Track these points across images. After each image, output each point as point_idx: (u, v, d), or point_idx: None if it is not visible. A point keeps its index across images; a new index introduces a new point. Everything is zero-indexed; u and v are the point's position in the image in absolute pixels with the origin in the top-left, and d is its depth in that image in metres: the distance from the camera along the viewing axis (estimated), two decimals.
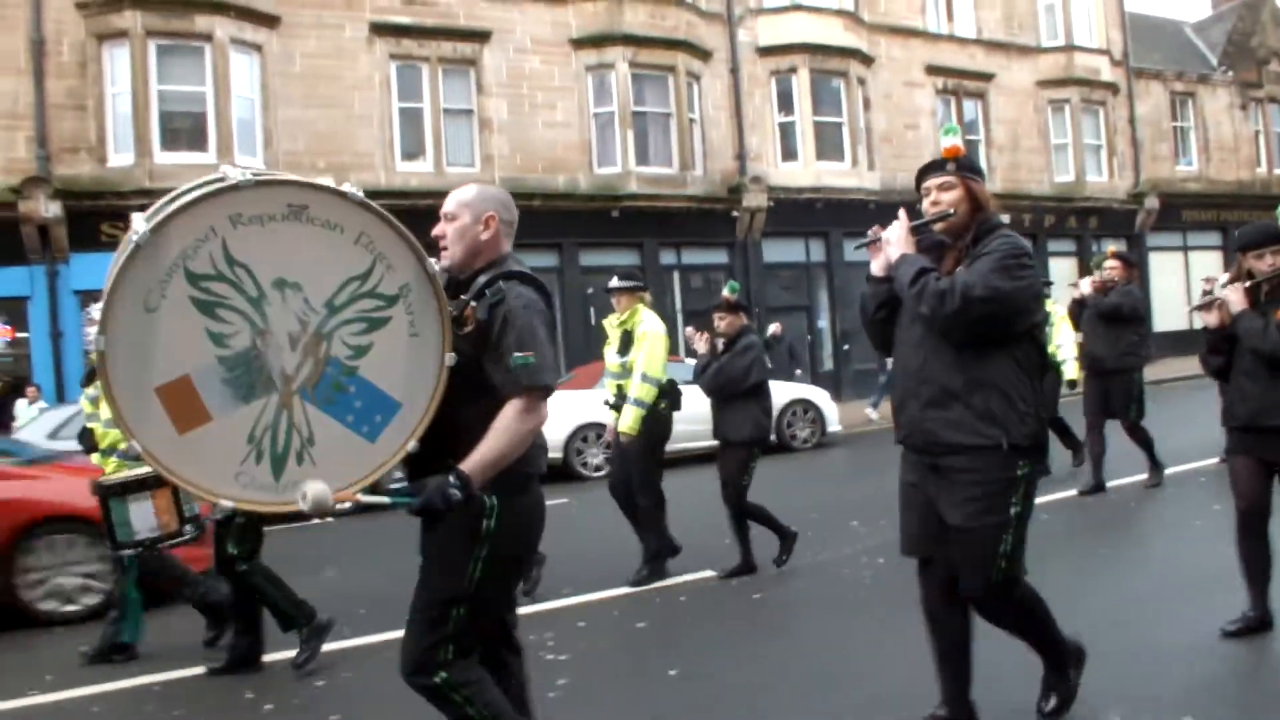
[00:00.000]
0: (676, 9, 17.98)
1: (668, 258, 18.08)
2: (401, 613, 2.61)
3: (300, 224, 2.36)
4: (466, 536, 2.48)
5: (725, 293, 6.18)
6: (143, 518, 4.09)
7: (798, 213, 18.83)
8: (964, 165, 3.08)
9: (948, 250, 3.07)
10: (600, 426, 11.65)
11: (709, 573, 5.98)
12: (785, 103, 19.33)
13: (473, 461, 2.40)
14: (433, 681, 2.47)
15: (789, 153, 19.24)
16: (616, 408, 6.13)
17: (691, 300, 18.20)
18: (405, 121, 16.34)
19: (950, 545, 2.96)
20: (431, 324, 2.50)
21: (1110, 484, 7.67)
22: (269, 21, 15.34)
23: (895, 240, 3.03)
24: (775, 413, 12.27)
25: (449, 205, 2.70)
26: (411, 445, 2.48)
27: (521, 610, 5.39)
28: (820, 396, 13.30)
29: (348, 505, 2.47)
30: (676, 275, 18.22)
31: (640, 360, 5.90)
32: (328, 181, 2.42)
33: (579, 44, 17.39)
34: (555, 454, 11.27)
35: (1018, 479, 2.88)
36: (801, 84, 19.27)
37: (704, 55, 18.38)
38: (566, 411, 11.23)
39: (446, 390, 2.50)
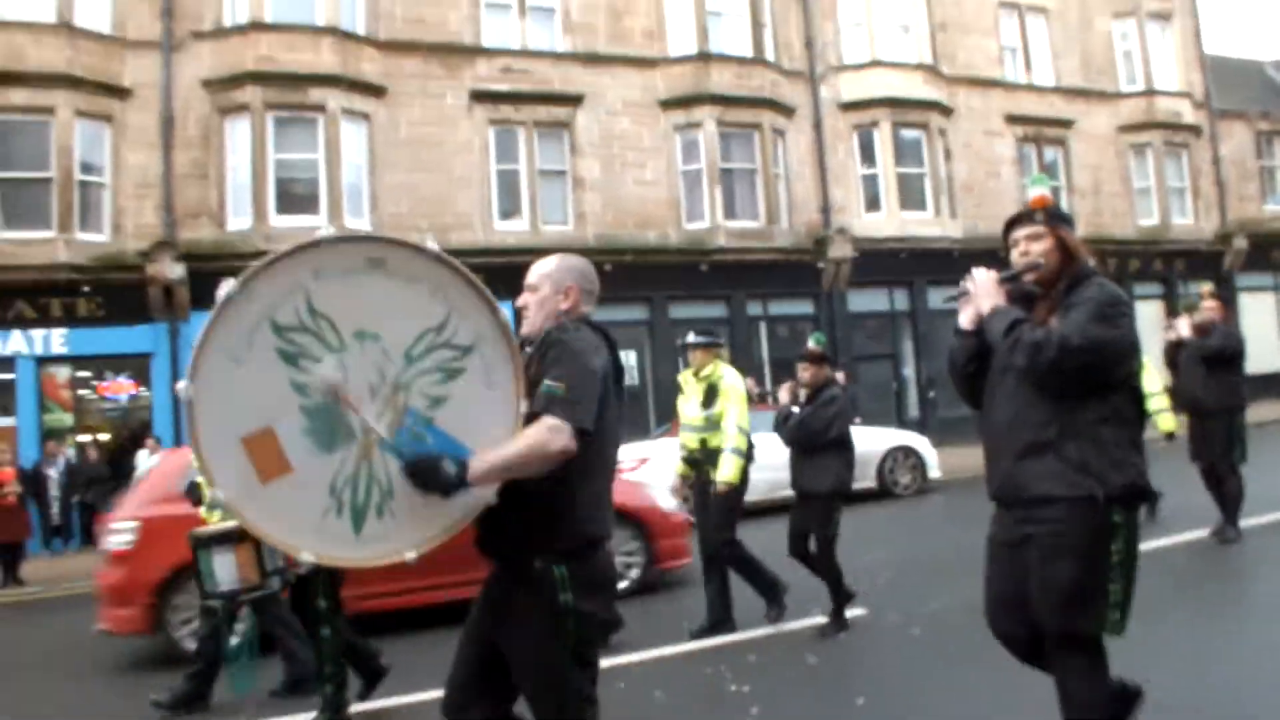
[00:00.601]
0: (761, 69, 18.50)
1: (754, 309, 18.38)
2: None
3: (379, 277, 2.43)
4: (547, 614, 2.47)
5: (810, 344, 6.14)
6: (226, 569, 4.12)
7: (882, 262, 19.02)
8: (1053, 214, 3.04)
9: (1040, 300, 3.02)
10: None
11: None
12: (868, 155, 19.65)
13: (481, 457, 2.39)
14: None
15: (872, 203, 19.50)
16: (693, 462, 6.22)
17: (778, 350, 18.44)
18: (502, 183, 17.01)
19: (1043, 595, 2.82)
20: (506, 375, 2.52)
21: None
22: (377, 92, 16.20)
23: (984, 292, 2.98)
24: (878, 459, 12.52)
25: (532, 277, 2.75)
26: (489, 497, 2.47)
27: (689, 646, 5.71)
28: (921, 443, 13.40)
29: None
30: (763, 326, 18.49)
31: (732, 413, 6.00)
32: (404, 237, 2.53)
33: (667, 105, 17.97)
34: None
35: (1114, 526, 2.78)
36: (883, 137, 19.60)
37: (788, 112, 18.83)
38: (672, 458, 11.47)
39: None
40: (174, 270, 14.81)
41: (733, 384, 6.11)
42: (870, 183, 19.59)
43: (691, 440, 6.21)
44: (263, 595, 4.38)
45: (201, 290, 15.02)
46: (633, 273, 17.23)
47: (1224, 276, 23.00)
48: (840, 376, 15.75)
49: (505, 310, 2.51)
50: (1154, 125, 22.58)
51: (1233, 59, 27.15)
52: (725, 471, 5.94)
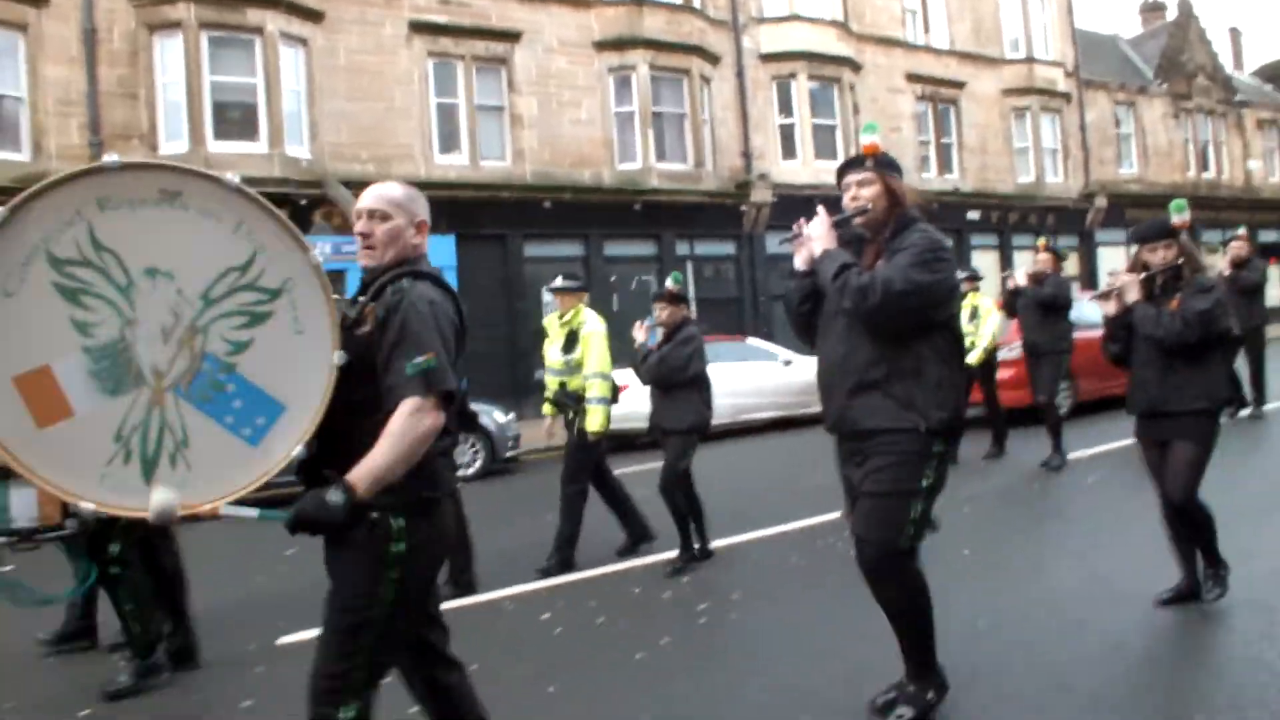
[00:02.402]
0: (690, 15, 19.02)
1: (683, 248, 19.09)
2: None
3: (174, 210, 2.23)
4: (374, 562, 2.33)
5: (669, 283, 6.19)
6: (23, 505, 3.77)
7: (798, 207, 19.82)
8: (882, 162, 3.17)
9: (868, 244, 3.18)
10: None
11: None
12: (785, 105, 20.57)
13: (359, 469, 2.22)
14: (337, 716, 2.30)
15: (790, 152, 20.47)
16: (557, 403, 6.33)
17: (704, 289, 19.29)
18: (442, 116, 16.96)
19: (858, 512, 3.09)
20: (318, 321, 2.32)
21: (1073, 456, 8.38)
22: (314, 17, 15.80)
23: (817, 235, 3.13)
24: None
25: (375, 203, 2.53)
26: (297, 450, 2.31)
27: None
28: None
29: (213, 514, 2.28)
30: (691, 265, 19.23)
31: (593, 360, 6.09)
32: (202, 168, 2.35)
33: (602, 46, 18.26)
34: (643, 424, 12.14)
35: (931, 454, 3.00)
36: (800, 88, 20.54)
37: (714, 59, 19.46)
38: None
39: (345, 397, 2.32)
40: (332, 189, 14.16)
41: (593, 329, 6.19)
42: (787, 131, 20.54)
43: (553, 382, 6.36)
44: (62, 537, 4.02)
45: None
46: (570, 210, 17.63)
47: (1087, 231, 25.37)
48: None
49: (317, 251, 2.35)
50: (1033, 91, 24.49)
51: (1094, 33, 29.54)
52: (592, 422, 6.05)
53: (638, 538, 6.49)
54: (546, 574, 6.02)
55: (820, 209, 3.25)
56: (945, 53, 23.64)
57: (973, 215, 23.26)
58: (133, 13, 14.80)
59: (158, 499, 2.17)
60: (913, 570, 3.10)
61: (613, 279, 18.21)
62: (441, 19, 16.92)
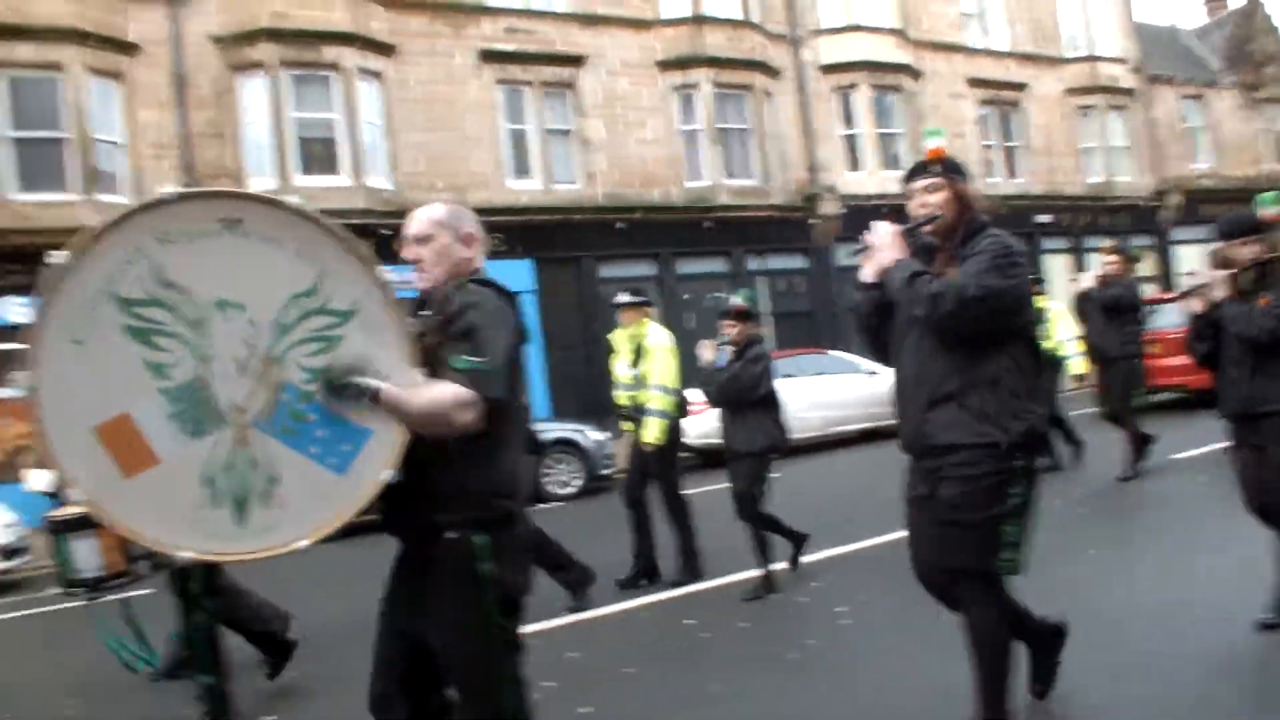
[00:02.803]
0: (751, 31, 19.18)
1: (754, 264, 19.14)
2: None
3: (235, 238, 2.18)
4: (470, 588, 2.29)
5: (736, 300, 6.00)
6: (87, 556, 3.74)
7: (866, 218, 19.78)
8: (949, 166, 3.07)
9: (937, 252, 3.08)
10: None
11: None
12: (848, 116, 20.58)
13: (396, 390, 2.18)
14: None
15: (854, 163, 20.45)
16: (629, 418, 6.31)
17: (778, 303, 19.33)
18: (514, 142, 17.30)
19: (944, 538, 2.94)
20: (392, 340, 2.27)
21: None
22: (387, 50, 16.24)
23: (885, 245, 3.02)
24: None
25: (420, 227, 2.52)
26: (387, 475, 2.24)
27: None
28: None
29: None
30: (762, 280, 19.28)
31: (656, 373, 6.09)
32: (261, 192, 2.32)
33: (665, 66, 18.49)
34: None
35: (1016, 470, 2.88)
36: (861, 98, 20.54)
37: (775, 74, 19.57)
38: None
39: None
40: None
41: (658, 343, 6.20)
42: (851, 142, 20.53)
43: (623, 397, 6.39)
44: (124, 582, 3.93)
45: None
46: (641, 230, 17.81)
47: (1161, 230, 24.88)
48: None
49: (386, 268, 2.30)
50: (1097, 89, 24.17)
51: (1153, 26, 29.07)
52: (650, 433, 6.06)
53: (643, 573, 6.24)
54: (677, 585, 6.06)
55: (879, 225, 3.12)
56: (1005, 55, 23.46)
57: (1042, 218, 22.97)
58: (218, 55, 15.37)
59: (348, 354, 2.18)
60: (1001, 599, 2.98)
61: (686, 296, 18.33)
62: (509, 47, 17.28)
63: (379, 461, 2.23)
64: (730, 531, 6.43)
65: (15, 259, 13.97)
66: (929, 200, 3.02)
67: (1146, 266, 24.10)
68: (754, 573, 5.77)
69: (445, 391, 2.20)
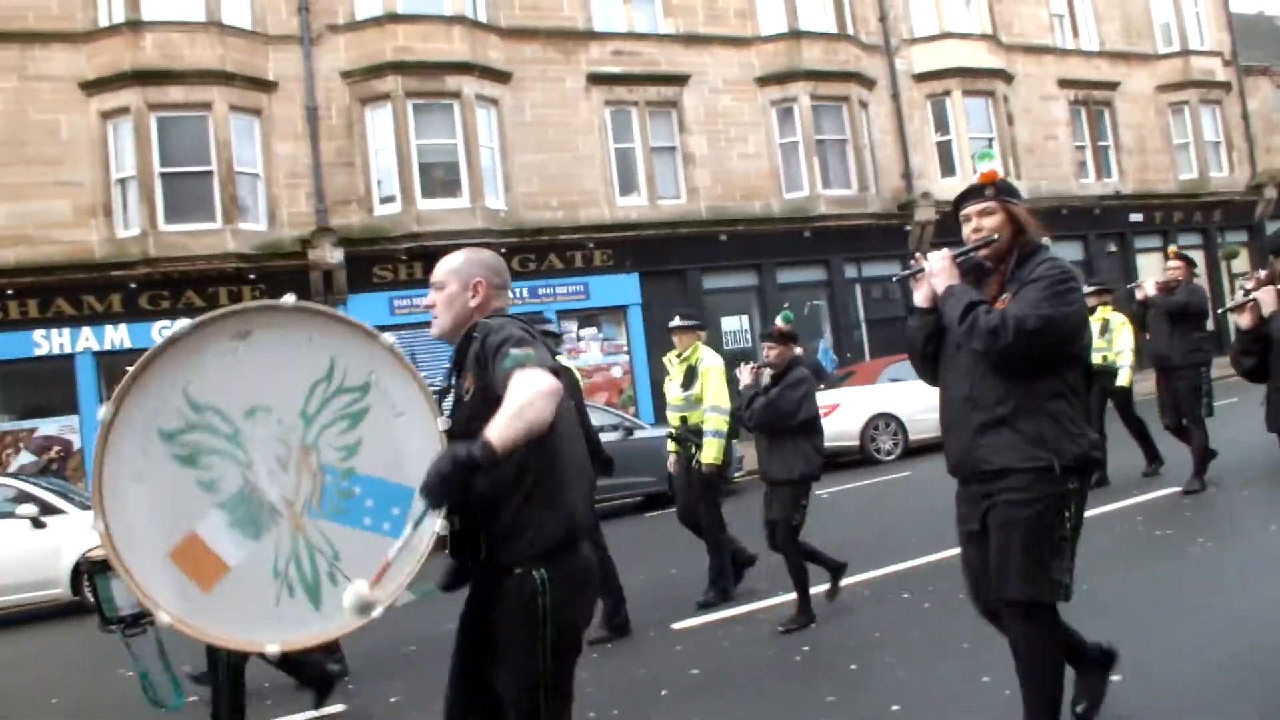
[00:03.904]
0: (846, 44, 19.57)
1: (850, 271, 19.59)
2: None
3: (249, 348, 2.35)
4: (529, 620, 2.36)
5: (778, 322, 5.80)
6: (125, 592, 3.75)
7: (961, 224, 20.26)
8: (1002, 189, 3.04)
9: (991, 275, 3.03)
10: (889, 417, 13.20)
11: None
12: (941, 122, 20.86)
13: (491, 431, 2.17)
14: None
15: (948, 169, 20.73)
16: (679, 439, 6.41)
17: (872, 310, 19.74)
18: (620, 160, 17.97)
19: (1001, 565, 2.88)
20: (412, 398, 2.39)
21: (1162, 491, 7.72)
22: (502, 78, 17.02)
23: (939, 271, 2.99)
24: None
25: (437, 274, 2.63)
26: (439, 526, 2.29)
27: None
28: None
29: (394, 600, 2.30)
30: (858, 288, 19.71)
31: (709, 394, 6.17)
32: (260, 301, 2.46)
33: (764, 81, 18.99)
34: (853, 442, 12.83)
35: (1069, 493, 2.85)
36: (955, 104, 20.80)
37: (869, 84, 19.93)
38: (859, 404, 12.81)
39: None
40: (334, 255, 15.65)
41: (710, 365, 6.28)
42: (944, 149, 20.81)
43: (674, 418, 6.50)
44: None
45: (356, 274, 15.94)
46: (743, 242, 18.37)
47: (1257, 225, 24.63)
48: (796, 350, 16.04)
49: (388, 336, 2.40)
50: (1190, 84, 24.01)
51: (1247, 15, 28.60)
52: (707, 454, 6.16)
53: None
54: (705, 607, 6.08)
55: (922, 255, 3.13)
56: (1096, 54, 23.44)
57: (1135, 218, 22.96)
58: (347, 89, 16.30)
59: (350, 595, 2.18)
60: (1054, 625, 2.95)
61: (785, 305, 18.78)
62: (616, 69, 17.94)
63: (431, 516, 2.28)
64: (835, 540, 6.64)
65: (165, 285, 15.14)
66: (983, 224, 3.00)
67: (1242, 263, 23.93)
68: (820, 588, 5.72)
69: (514, 384, 2.22)
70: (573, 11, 17.88)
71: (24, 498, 9.49)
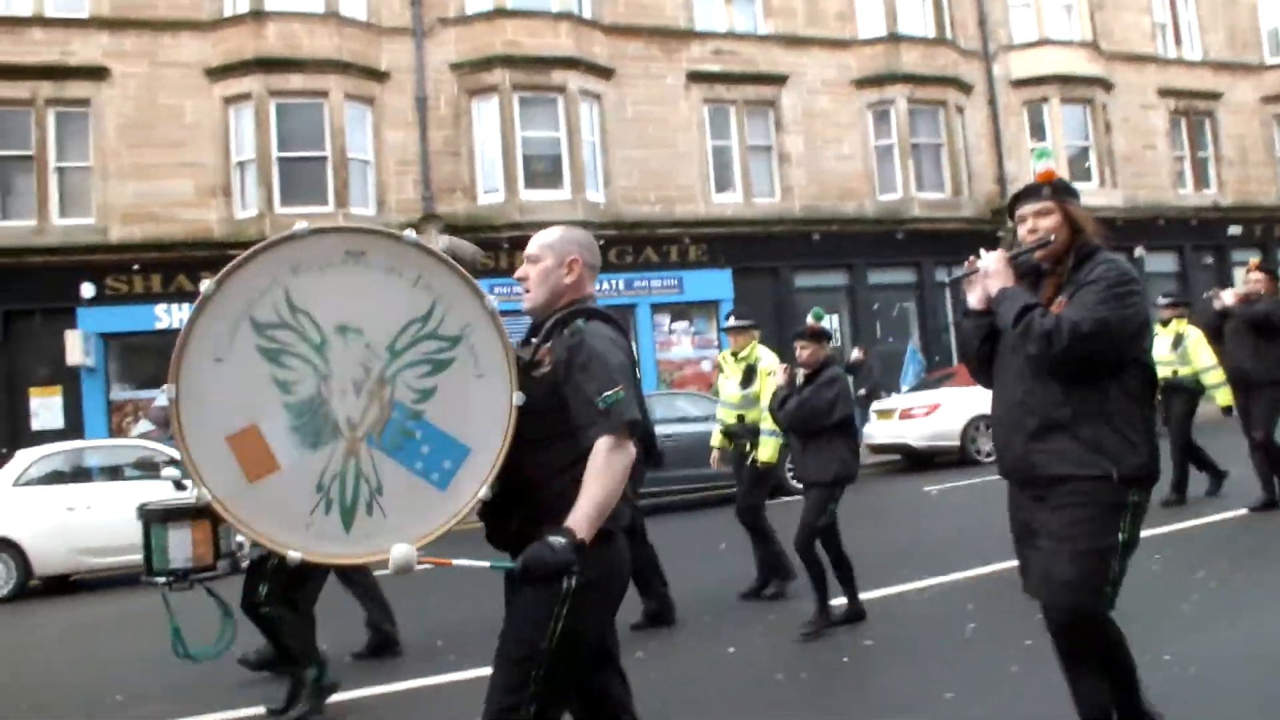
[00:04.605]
0: (944, 48, 19.53)
1: (941, 275, 19.51)
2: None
3: (359, 269, 2.38)
4: (549, 596, 2.32)
5: (809, 320, 5.74)
6: (180, 546, 3.85)
7: None
8: (1059, 189, 2.97)
9: (1046, 276, 2.95)
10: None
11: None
12: (1037, 129, 20.67)
13: (575, 515, 2.27)
14: None
15: None
16: (734, 435, 6.55)
17: (961, 313, 19.60)
18: (717, 158, 18.17)
19: (1050, 570, 2.77)
20: (497, 364, 2.43)
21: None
22: (605, 74, 17.34)
23: (994, 272, 2.93)
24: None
25: (532, 248, 2.63)
26: (484, 492, 2.36)
27: None
28: None
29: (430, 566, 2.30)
30: (948, 291, 19.62)
31: (767, 393, 6.09)
32: (383, 227, 2.56)
33: (861, 84, 19.04)
34: (954, 442, 12.85)
35: (1126, 505, 2.73)
36: (1052, 111, 20.61)
37: (966, 89, 19.85)
38: (960, 405, 12.82)
39: (522, 435, 2.40)
40: (440, 241, 16.03)
41: (769, 364, 6.31)
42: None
43: (729, 415, 6.61)
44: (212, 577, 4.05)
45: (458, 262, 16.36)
46: (835, 242, 18.43)
47: None
48: (857, 353, 16.28)
49: (493, 298, 2.45)
50: None
51: None
52: (763, 452, 6.29)
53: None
54: (751, 596, 6.29)
55: (996, 250, 3.05)
56: (1199, 64, 22.99)
57: (1234, 230, 22.44)
58: (455, 81, 16.76)
59: (398, 553, 2.23)
60: (1111, 631, 2.82)
61: (875, 306, 18.87)
62: (715, 68, 18.15)
63: (478, 477, 2.38)
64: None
65: None
66: (1040, 225, 2.92)
67: None
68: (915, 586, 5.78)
69: (601, 455, 2.31)
70: (675, 10, 18.14)
71: (169, 462, 9.98)
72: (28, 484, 9.86)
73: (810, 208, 18.48)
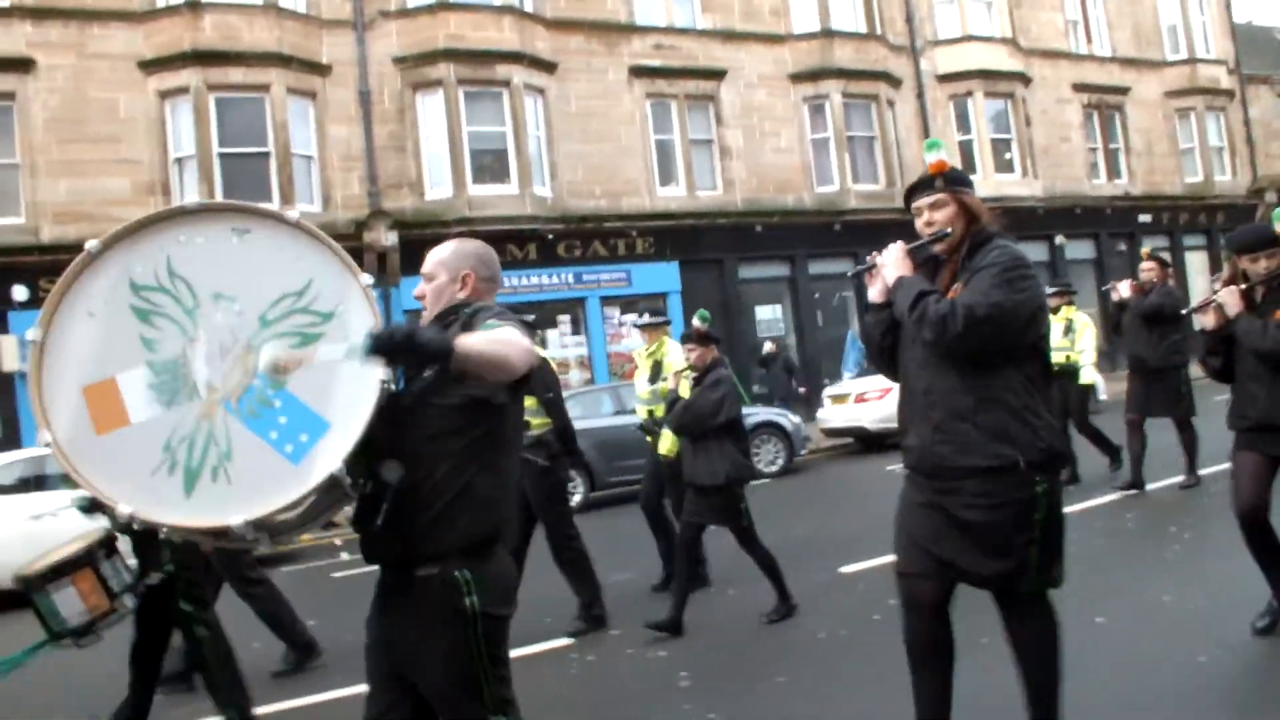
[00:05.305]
0: (875, 43, 20.13)
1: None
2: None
3: (243, 244, 2.43)
4: (455, 620, 2.30)
5: (695, 322, 5.76)
6: (69, 604, 3.67)
7: None
8: (952, 179, 2.96)
9: (944, 264, 2.97)
10: None
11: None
12: (963, 123, 21.48)
13: (461, 336, 2.18)
14: None
15: (970, 168, 21.32)
16: (648, 430, 6.68)
17: None
18: (660, 152, 18.41)
19: (972, 571, 2.83)
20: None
21: (1150, 485, 7.88)
22: (549, 68, 17.39)
23: (891, 263, 2.95)
24: None
25: (427, 265, 2.62)
26: (336, 468, 2.25)
27: None
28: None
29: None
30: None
31: (672, 389, 6.13)
32: (268, 206, 2.53)
33: (797, 78, 19.51)
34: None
35: (1038, 496, 2.76)
36: (976, 106, 21.44)
37: (896, 83, 20.51)
38: None
39: (426, 429, 2.33)
40: (389, 238, 15.96)
41: (676, 360, 6.29)
42: (966, 148, 21.43)
43: (641, 411, 6.81)
44: (118, 617, 3.84)
45: (408, 256, 16.22)
46: (777, 234, 18.88)
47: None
48: (769, 346, 16.86)
49: (368, 277, 2.45)
50: (1196, 90, 24.82)
51: (1250, 26, 29.54)
52: (662, 445, 6.37)
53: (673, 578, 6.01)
54: (662, 588, 6.36)
55: (892, 246, 3.06)
56: (1108, 60, 24.18)
57: (1144, 218, 23.71)
58: (399, 75, 16.60)
59: (266, 354, 2.31)
60: (1049, 610, 2.92)
61: (816, 296, 19.39)
62: (656, 62, 18.38)
63: (334, 455, 2.28)
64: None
65: None
66: (935, 218, 2.92)
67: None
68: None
69: (501, 332, 2.24)
70: (615, 5, 18.29)
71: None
72: None
73: (751, 200, 18.88)
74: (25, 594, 3.70)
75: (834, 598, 5.83)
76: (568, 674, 5.07)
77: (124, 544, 3.89)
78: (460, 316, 2.44)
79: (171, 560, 3.95)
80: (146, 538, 3.88)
